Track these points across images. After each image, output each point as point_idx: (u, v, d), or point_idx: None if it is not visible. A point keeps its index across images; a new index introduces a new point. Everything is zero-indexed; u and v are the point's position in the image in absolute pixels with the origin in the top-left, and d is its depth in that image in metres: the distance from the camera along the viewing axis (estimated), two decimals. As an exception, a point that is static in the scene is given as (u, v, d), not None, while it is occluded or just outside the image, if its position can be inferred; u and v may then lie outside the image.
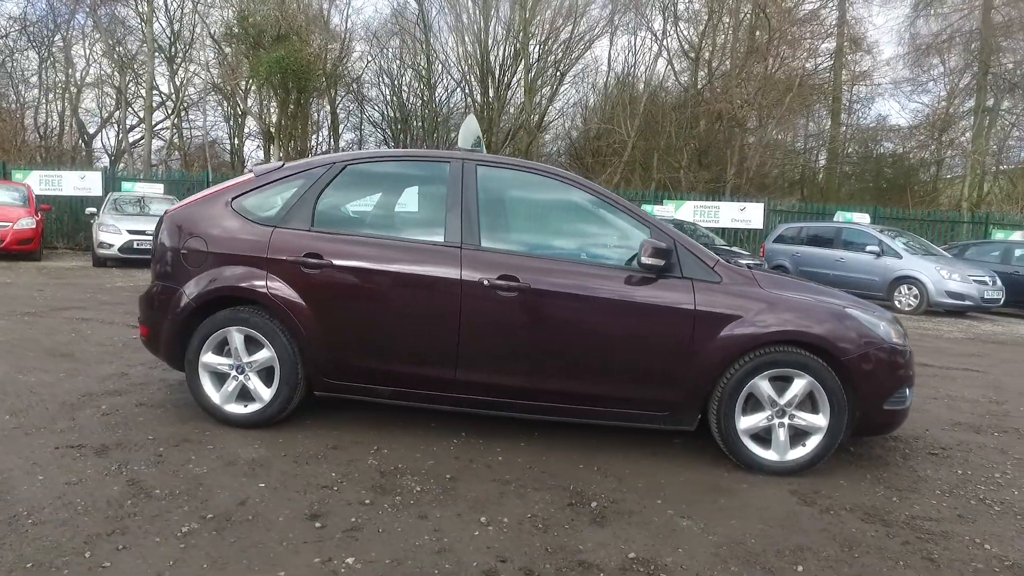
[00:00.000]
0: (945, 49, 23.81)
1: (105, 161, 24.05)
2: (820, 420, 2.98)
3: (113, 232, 10.44)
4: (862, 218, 13.60)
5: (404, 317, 3.09)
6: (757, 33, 21.31)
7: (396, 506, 2.48)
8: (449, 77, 25.53)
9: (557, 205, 3.37)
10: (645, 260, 2.91)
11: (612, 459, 3.09)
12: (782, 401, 2.98)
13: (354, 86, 23.56)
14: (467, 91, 25.17)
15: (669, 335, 2.99)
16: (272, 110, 19.82)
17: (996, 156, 22.83)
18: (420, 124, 26.15)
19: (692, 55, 21.65)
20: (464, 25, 23.97)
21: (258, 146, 25.58)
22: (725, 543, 2.33)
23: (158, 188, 13.38)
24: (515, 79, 23.91)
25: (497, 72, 24.01)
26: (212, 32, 20.58)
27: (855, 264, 10.85)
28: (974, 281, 9.95)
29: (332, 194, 3.26)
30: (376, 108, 26.62)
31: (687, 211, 14.91)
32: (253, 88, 20.96)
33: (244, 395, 3.24)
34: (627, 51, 23.86)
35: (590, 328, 3.03)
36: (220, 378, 3.25)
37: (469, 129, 3.50)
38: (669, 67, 22.16)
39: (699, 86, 20.89)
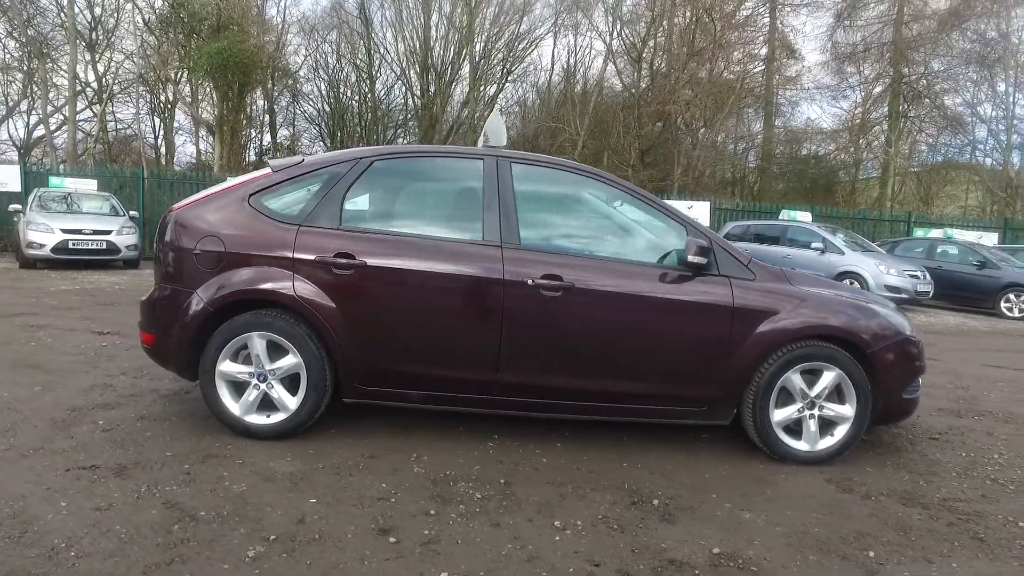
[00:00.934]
0: (862, 59, 25.53)
1: (12, 155, 22.10)
2: (847, 410, 3.10)
3: (44, 231, 9.58)
4: (804, 216, 14.34)
5: (444, 319, 2.99)
6: (696, 37, 22.09)
7: (464, 515, 2.39)
8: (391, 72, 25.09)
9: (590, 202, 3.35)
10: (692, 259, 2.94)
11: (649, 456, 3.11)
12: (812, 393, 3.09)
13: (290, 80, 22.68)
14: (408, 87, 24.82)
15: (710, 332, 3.03)
16: (208, 103, 18.77)
17: (907, 159, 24.65)
18: (357, 120, 25.52)
19: (634, 56, 22.17)
20: (404, 20, 23.56)
21: (186, 140, 24.30)
22: (792, 533, 2.39)
23: (91, 184, 12.37)
24: (459, 74, 23.79)
25: (439, 68, 23.79)
26: (140, 19, 19.28)
27: (801, 260, 11.42)
28: (908, 275, 10.70)
29: (359, 191, 3.12)
30: (311, 103, 25.78)
31: (635, 209, 15.25)
32: (183, 79, 19.81)
33: (265, 404, 3.04)
34: (570, 50, 24.10)
35: (634, 327, 3.03)
36: (238, 387, 3.04)
37: (496, 126, 3.41)
38: (612, 67, 22.66)
39: (642, 86, 21.45)
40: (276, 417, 3.03)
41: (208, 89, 17.88)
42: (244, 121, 18.82)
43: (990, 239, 15.69)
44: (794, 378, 3.07)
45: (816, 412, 3.11)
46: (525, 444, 3.18)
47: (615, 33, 22.09)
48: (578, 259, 3.06)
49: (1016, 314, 10.94)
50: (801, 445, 3.12)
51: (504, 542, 2.21)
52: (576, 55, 25.22)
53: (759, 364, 3.04)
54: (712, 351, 3.04)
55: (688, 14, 22.44)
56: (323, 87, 25.10)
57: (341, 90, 25.24)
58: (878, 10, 24.57)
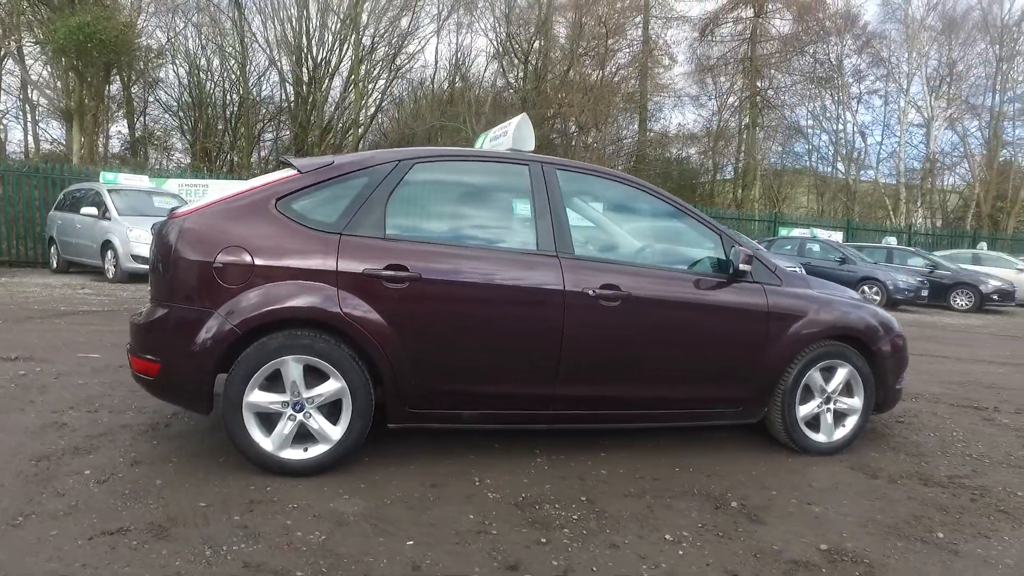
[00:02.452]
0: (722, 71, 28.11)
1: None
2: (856, 403, 3.40)
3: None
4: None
5: (503, 332, 2.84)
6: (580, 42, 22.99)
7: (575, 539, 2.29)
8: (263, 59, 23.33)
9: (631, 211, 3.36)
10: (743, 267, 3.05)
11: (692, 458, 3.18)
12: (829, 389, 3.35)
13: (150, 64, 20.25)
14: (281, 77, 23.24)
15: (749, 335, 3.17)
16: (64, 85, 16.13)
17: (760, 163, 27.50)
18: (221, 111, 23.43)
19: (521, 57, 22.59)
20: (276, 7, 21.99)
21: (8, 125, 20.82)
22: (865, 523, 2.57)
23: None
24: (340, 68, 22.71)
25: (317, 58, 22.56)
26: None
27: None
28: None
29: (402, 196, 2.86)
30: (169, 92, 23.31)
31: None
32: (30, 53, 16.85)
33: (300, 437, 2.70)
34: (455, 48, 23.95)
35: (684, 333, 3.08)
36: (268, 419, 2.67)
37: (523, 131, 3.28)
38: (500, 68, 22.90)
39: (527, 87, 21.90)
40: (316, 450, 2.70)
41: (64, 69, 15.38)
42: (110, 108, 16.48)
43: (836, 238, 18.00)
44: (815, 375, 3.31)
45: (831, 406, 3.38)
46: (572, 457, 3.11)
47: (502, 33, 22.36)
48: (631, 268, 3.05)
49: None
50: (820, 437, 3.36)
51: (636, 563, 2.15)
52: (459, 53, 25.08)
53: (788, 363, 3.23)
54: (751, 353, 3.18)
55: (572, 17, 23.31)
56: (182, 74, 22.76)
57: (203, 78, 23.04)
58: (736, 29, 27.15)
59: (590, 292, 2.88)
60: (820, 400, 3.34)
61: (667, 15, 26.59)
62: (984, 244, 17.76)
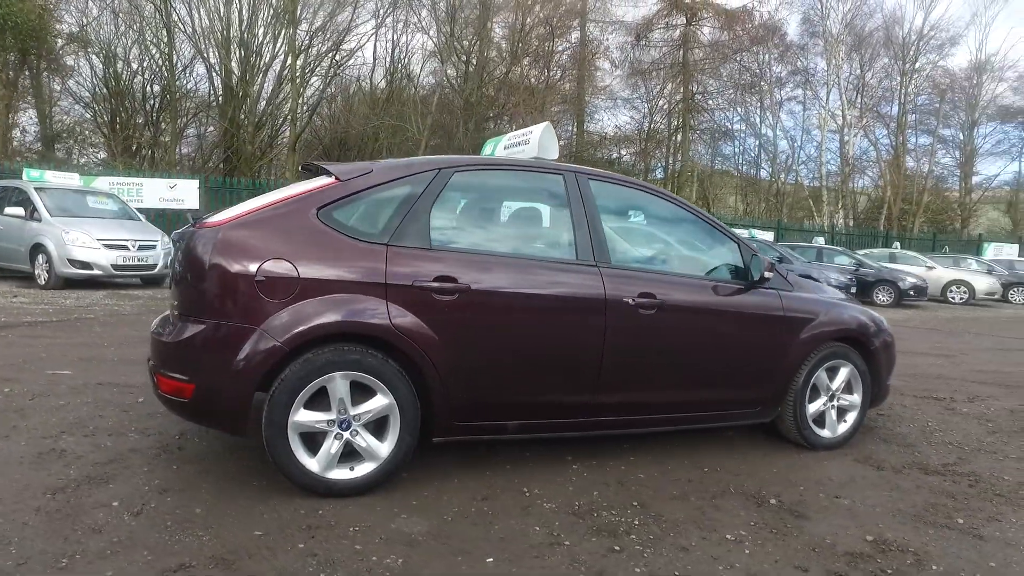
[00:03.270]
0: (655, 75, 29.08)
1: None
2: (856, 399, 3.64)
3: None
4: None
5: (549, 342, 2.85)
6: (520, 44, 23.13)
7: (646, 544, 2.34)
8: (193, 54, 22.06)
9: (655, 219, 3.43)
10: (767, 274, 3.19)
11: (711, 458, 3.30)
12: (834, 387, 3.56)
13: (57, 53, 18.69)
14: (209, 68, 22.09)
15: (769, 339, 3.33)
16: None
17: (696, 165, 28.69)
18: (141, 104, 21.99)
19: (462, 56, 22.48)
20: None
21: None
22: (891, 512, 2.76)
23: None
24: (274, 63, 21.83)
25: (250, 52, 21.59)
26: None
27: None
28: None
29: (444, 205, 2.81)
30: (82, 82, 21.66)
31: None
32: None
33: (346, 455, 2.61)
34: (394, 46, 23.52)
35: (714, 339, 3.20)
36: (312, 439, 2.56)
37: (548, 140, 3.29)
38: (440, 67, 22.69)
39: (469, 87, 21.83)
40: (363, 469, 2.61)
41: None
42: (22, 98, 15.05)
43: (767, 238, 19.04)
44: (822, 375, 3.51)
45: (835, 403, 3.59)
46: (604, 463, 3.16)
47: (445, 32, 22.15)
48: (662, 276, 3.13)
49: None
50: (826, 433, 3.57)
51: (711, 564, 2.22)
52: (398, 51, 24.66)
53: (801, 364, 3.42)
54: (771, 356, 3.34)
55: (513, 18, 23.42)
56: (96, 63, 21.15)
57: (121, 68, 21.50)
58: (668, 35, 28.15)
59: (630, 301, 2.94)
60: (826, 398, 3.55)
61: (604, 19, 27.21)
62: (898, 244, 19.29)
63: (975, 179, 29.69)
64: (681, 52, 27.47)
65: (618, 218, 3.34)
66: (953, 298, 16.54)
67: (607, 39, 27.23)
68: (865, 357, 3.63)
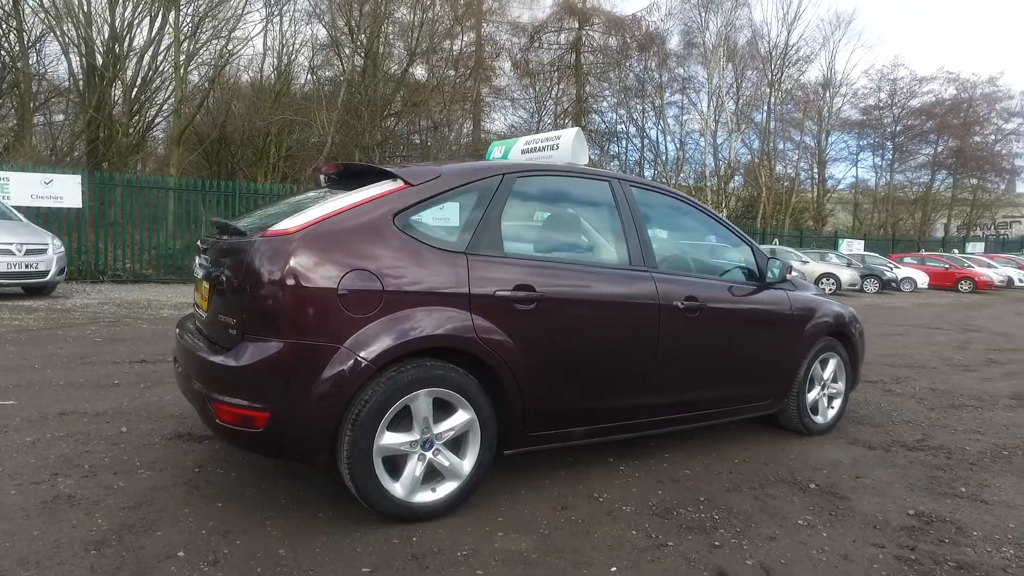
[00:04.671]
0: (549, 77, 29.85)
1: None
2: (841, 387, 4.03)
3: None
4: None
5: (613, 348, 2.88)
6: (418, 41, 22.73)
7: (738, 536, 2.45)
8: (44, 29, 19.33)
9: (684, 224, 3.55)
10: (790, 276, 3.42)
11: (732, 450, 3.51)
12: (826, 377, 3.92)
13: None
14: (66, 49, 19.54)
15: (783, 335, 3.59)
16: None
17: (596, 166, 29.74)
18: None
19: (361, 53, 21.70)
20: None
21: None
22: (911, 487, 3.09)
23: None
24: (153, 47, 19.74)
25: (118, 33, 19.38)
26: None
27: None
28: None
29: (510, 212, 2.74)
30: None
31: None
32: None
33: (427, 476, 2.48)
34: (290, 38, 22.15)
35: (744, 337, 3.39)
36: (393, 463, 2.41)
37: (579, 145, 3.30)
38: (340, 62, 21.75)
39: (368, 82, 21.13)
40: (445, 489, 2.50)
41: None
42: None
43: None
44: (817, 367, 3.85)
45: (826, 392, 3.95)
46: (644, 463, 3.25)
47: (337, 26, 21.22)
48: (701, 279, 3.27)
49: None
50: (819, 420, 3.92)
51: (805, 549, 2.37)
52: (288, 42, 23.25)
53: (805, 358, 3.72)
54: (783, 351, 3.60)
55: (412, 16, 22.96)
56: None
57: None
58: (561, 38, 29.00)
59: (679, 304, 3.05)
60: (819, 388, 3.89)
61: (500, 19, 27.48)
62: (777, 240, 21.33)
63: (829, 183, 33.71)
64: (574, 55, 28.44)
65: (654, 223, 3.44)
66: (824, 289, 18.59)
67: (503, 39, 27.52)
68: (847, 348, 4.03)
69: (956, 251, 27.87)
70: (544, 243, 2.93)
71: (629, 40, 29.22)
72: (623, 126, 31.50)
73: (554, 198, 3.04)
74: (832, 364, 3.93)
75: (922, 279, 21.11)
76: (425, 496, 2.46)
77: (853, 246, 25.75)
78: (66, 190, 10.86)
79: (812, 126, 32.79)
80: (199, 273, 2.74)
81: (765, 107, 29.48)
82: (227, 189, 13.13)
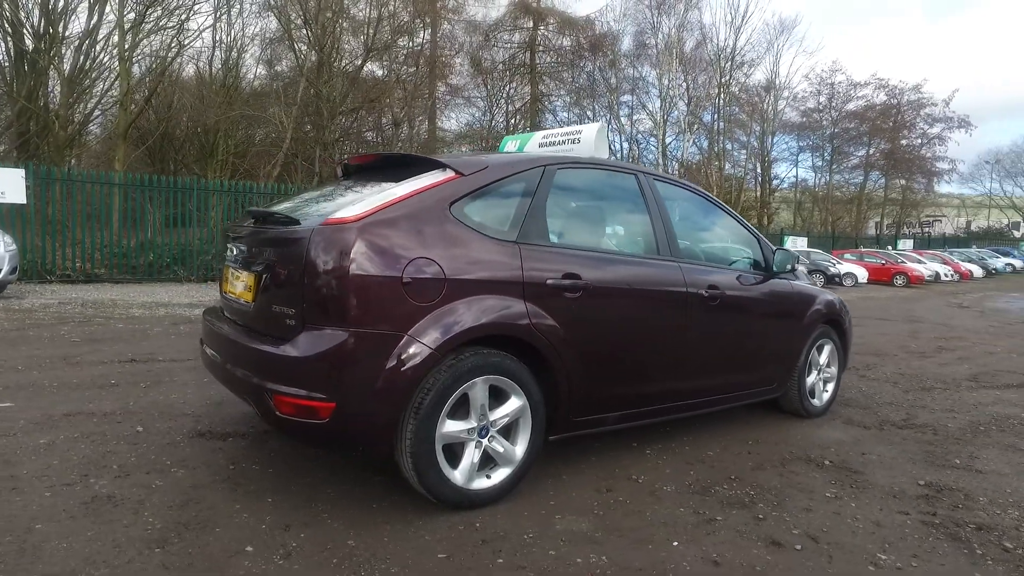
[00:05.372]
0: (503, 75, 29.91)
1: None
2: (835, 371, 4.27)
3: None
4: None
5: (649, 334, 2.99)
6: (371, 38, 22.39)
7: (779, 510, 2.59)
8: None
9: (700, 216, 3.67)
10: (798, 268, 3.61)
11: (739, 432, 3.68)
12: (822, 362, 4.14)
13: None
14: (2, 32, 18.29)
15: (790, 322, 3.79)
16: None
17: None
18: None
19: (316, 48, 21.19)
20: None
21: None
22: (912, 461, 3.32)
23: None
24: (96, 37, 18.68)
25: (51, 18, 18.26)
26: None
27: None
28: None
29: (553, 202, 2.79)
30: None
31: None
32: None
33: (482, 463, 2.52)
34: (240, 32, 21.35)
35: (758, 324, 3.56)
36: (451, 451, 2.43)
37: (601, 139, 3.37)
38: (295, 56, 21.18)
39: (326, 78, 20.67)
40: (498, 475, 2.54)
41: None
42: None
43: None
44: (815, 352, 4.07)
45: (822, 376, 4.18)
46: (667, 446, 3.37)
47: (294, 18, 20.66)
48: (719, 268, 3.41)
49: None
50: (816, 402, 4.14)
51: (841, 519, 2.53)
52: (237, 36, 22.43)
53: (805, 343, 3.93)
54: (791, 336, 3.80)
55: (367, 9, 22.59)
56: None
57: None
58: (521, 38, 29.13)
59: (703, 293, 3.18)
60: (816, 372, 4.12)
61: (456, 17, 27.36)
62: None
63: (774, 183, 35.13)
64: (529, 54, 28.64)
65: (673, 215, 3.55)
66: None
67: (460, 37, 27.42)
68: (839, 334, 4.27)
69: (890, 247, 29.56)
70: (583, 233, 3.00)
71: (583, 40, 29.63)
72: (576, 125, 31.96)
73: (589, 190, 3.11)
74: (827, 350, 4.17)
75: (862, 274, 22.29)
76: (481, 483, 2.49)
77: (798, 243, 26.91)
78: (8, 185, 10.17)
79: (756, 127, 34.14)
80: (236, 263, 2.68)
81: (713, 108, 30.51)
82: (178, 185, 12.54)
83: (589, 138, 3.42)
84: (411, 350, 2.25)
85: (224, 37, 21.67)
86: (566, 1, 30.00)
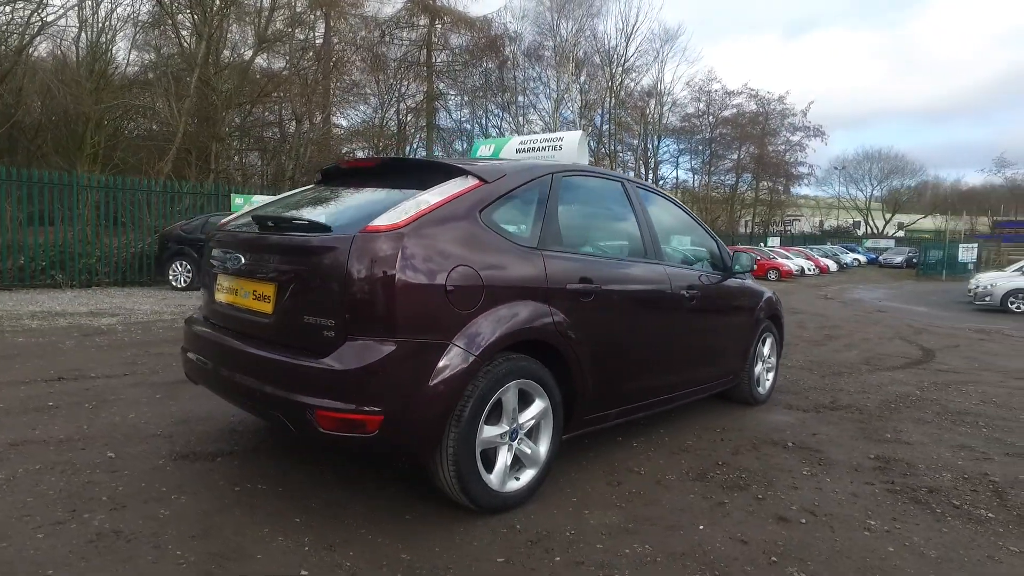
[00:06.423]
0: (401, 72, 29.38)
1: None
2: (774, 362, 4.73)
3: None
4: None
5: (646, 334, 3.18)
6: (262, 29, 21.17)
7: (771, 490, 2.86)
8: None
9: (670, 221, 3.88)
10: (752, 267, 3.95)
11: (706, 422, 3.99)
12: (765, 353, 4.57)
13: None
14: None
15: (747, 318, 4.15)
16: None
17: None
18: None
19: (203, 34, 19.65)
20: None
21: None
22: (855, 437, 3.77)
23: None
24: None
25: None
26: None
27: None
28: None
29: (561, 209, 2.88)
30: None
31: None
32: None
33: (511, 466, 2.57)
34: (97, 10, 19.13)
35: (724, 320, 3.87)
36: (485, 456, 2.47)
37: (583, 147, 3.50)
38: (179, 45, 19.48)
39: (214, 70, 19.22)
40: (526, 476, 2.62)
41: None
42: None
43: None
44: (760, 344, 4.48)
45: (765, 365, 4.61)
46: (649, 438, 3.59)
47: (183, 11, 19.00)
48: (692, 270, 3.67)
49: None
50: (761, 391, 4.56)
51: (824, 493, 2.86)
52: (100, 18, 20.18)
53: (755, 337, 4.32)
54: (747, 331, 4.16)
55: (258, 4, 21.28)
56: None
57: None
58: (418, 35, 28.72)
59: (684, 293, 3.42)
60: (761, 363, 4.54)
61: (353, 11, 26.48)
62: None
63: (660, 184, 37.33)
64: (425, 51, 28.36)
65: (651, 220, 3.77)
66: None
67: (356, 33, 26.55)
68: (777, 327, 4.73)
69: (762, 244, 32.52)
70: (587, 238, 3.12)
71: (479, 39, 29.79)
72: (468, 125, 32.15)
73: (587, 196, 3.24)
74: (769, 342, 4.60)
75: (741, 269, 24.32)
76: (512, 485, 2.54)
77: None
78: None
79: (640, 131, 36.15)
80: (236, 271, 2.53)
81: (603, 112, 31.94)
82: (35, 179, 10.89)
83: (571, 145, 3.56)
84: (456, 358, 2.26)
85: (89, 16, 19.53)
86: (464, 1, 29.75)
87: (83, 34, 19.18)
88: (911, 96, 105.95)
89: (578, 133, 3.61)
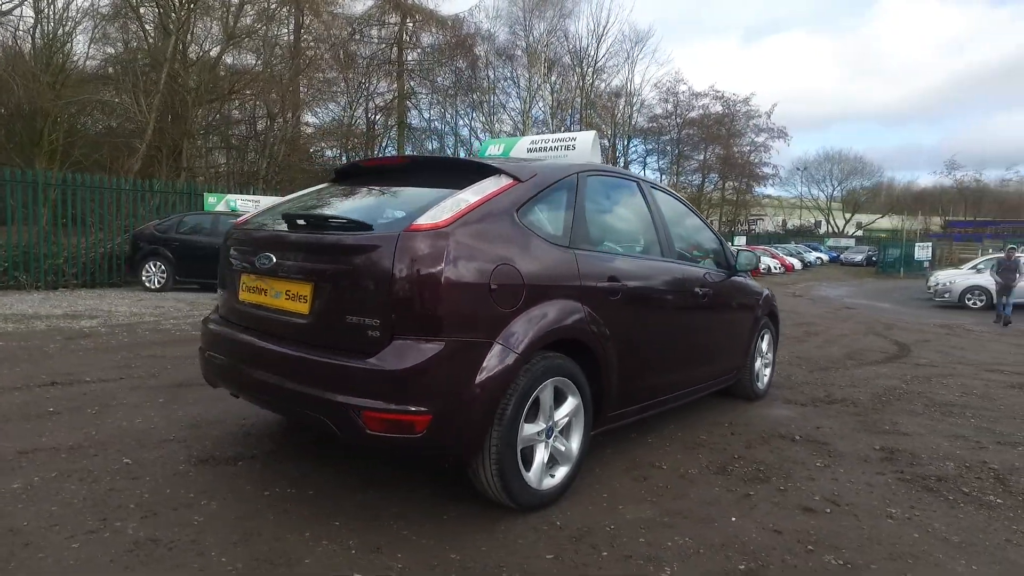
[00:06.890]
0: (367, 70, 29.02)
1: None
2: (772, 357, 4.85)
3: None
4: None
5: (666, 330, 3.23)
6: (231, 24, 20.66)
7: (790, 481, 2.94)
8: None
9: (680, 221, 3.94)
10: (757, 266, 4.04)
11: (712, 416, 4.08)
12: (764, 350, 4.69)
13: None
14: None
15: (749, 315, 4.24)
16: None
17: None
18: None
19: (168, 28, 19.08)
20: None
21: None
22: (856, 429, 3.90)
23: None
24: None
25: None
26: None
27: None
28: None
29: (587, 207, 2.91)
30: None
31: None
32: None
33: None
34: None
35: (728, 317, 3.95)
36: (523, 453, 2.47)
37: (597, 146, 3.52)
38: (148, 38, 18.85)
39: (187, 65, 18.68)
40: (560, 472, 2.64)
41: None
42: None
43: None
44: (759, 340, 4.60)
45: (763, 362, 4.72)
46: (662, 433, 3.65)
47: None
48: (703, 269, 3.73)
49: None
50: (760, 386, 4.68)
51: (840, 484, 2.95)
52: (59, 9, 19.35)
53: (755, 334, 4.43)
54: (750, 328, 4.26)
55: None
56: None
57: None
58: (388, 32, 28.44)
59: (697, 290, 3.48)
60: (760, 359, 4.65)
61: (327, 7, 26.05)
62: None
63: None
64: (396, 50, 28.12)
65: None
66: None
67: (327, 30, 26.13)
68: (774, 323, 4.86)
69: (731, 243, 33.19)
70: (610, 237, 3.15)
71: (450, 39, 29.66)
72: (438, 123, 32.00)
73: (608, 196, 3.27)
74: (767, 338, 4.72)
75: (712, 268, 24.81)
76: (548, 482, 2.56)
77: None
78: None
79: (610, 131, 36.52)
80: (263, 270, 2.48)
81: (574, 111, 32.14)
82: (2, 177, 10.41)
83: (585, 145, 3.58)
84: (501, 357, 2.26)
85: (46, 7, 18.74)
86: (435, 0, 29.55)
87: (39, 26, 18.44)
88: (868, 99, 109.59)
89: (592, 133, 3.65)
